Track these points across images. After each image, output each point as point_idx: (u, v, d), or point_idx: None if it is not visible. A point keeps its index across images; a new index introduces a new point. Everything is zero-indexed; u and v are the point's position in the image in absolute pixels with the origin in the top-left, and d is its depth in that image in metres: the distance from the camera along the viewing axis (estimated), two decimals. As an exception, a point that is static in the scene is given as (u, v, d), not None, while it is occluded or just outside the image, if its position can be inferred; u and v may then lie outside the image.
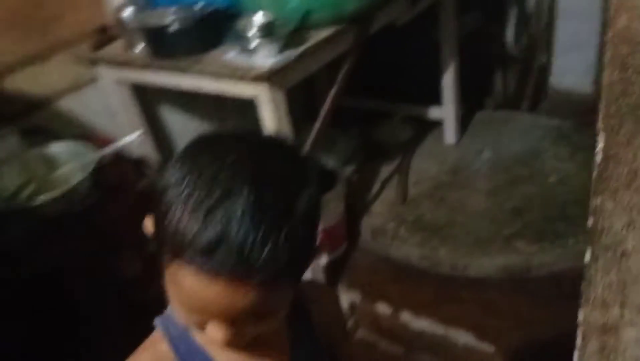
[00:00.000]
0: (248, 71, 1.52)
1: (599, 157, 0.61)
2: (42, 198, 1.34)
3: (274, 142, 0.68)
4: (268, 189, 0.59)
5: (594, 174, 0.62)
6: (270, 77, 1.51)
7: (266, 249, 0.57)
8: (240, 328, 0.64)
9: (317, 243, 0.69)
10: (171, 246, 0.59)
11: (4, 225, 1.36)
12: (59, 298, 1.47)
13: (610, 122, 0.58)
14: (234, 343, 0.65)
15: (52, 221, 1.37)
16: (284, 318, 0.70)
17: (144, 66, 1.77)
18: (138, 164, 2.07)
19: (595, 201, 0.63)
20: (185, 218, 0.58)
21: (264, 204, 0.58)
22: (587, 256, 0.68)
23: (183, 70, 1.66)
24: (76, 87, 1.98)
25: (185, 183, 0.60)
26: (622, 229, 0.63)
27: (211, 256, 0.57)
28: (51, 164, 1.48)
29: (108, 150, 1.45)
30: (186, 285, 0.60)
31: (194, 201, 0.58)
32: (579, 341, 0.77)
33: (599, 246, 0.65)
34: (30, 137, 1.58)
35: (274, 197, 0.59)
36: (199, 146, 0.65)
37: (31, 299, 1.38)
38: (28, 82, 1.83)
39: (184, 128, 2.40)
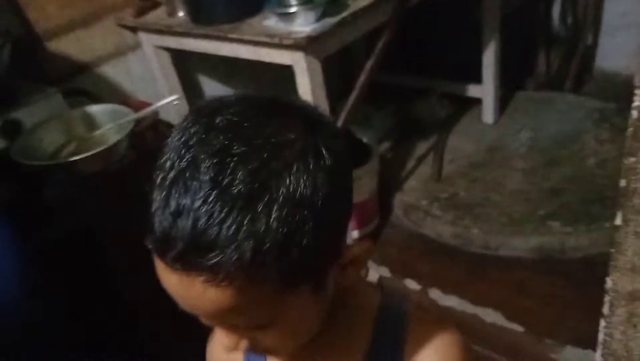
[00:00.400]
0: (285, 37, 1.52)
1: (635, 114, 0.59)
2: (81, 156, 1.38)
3: (288, 110, 0.56)
4: (239, 160, 0.48)
5: (629, 132, 0.60)
6: (308, 44, 1.51)
7: (222, 235, 0.47)
8: (247, 336, 0.57)
9: (345, 235, 0.58)
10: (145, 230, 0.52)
11: (45, 181, 1.40)
12: (94, 255, 1.51)
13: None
14: (255, 351, 0.59)
15: (89, 178, 1.41)
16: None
17: (184, 33, 1.79)
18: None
19: (628, 161, 0.61)
20: (151, 196, 0.52)
21: (227, 179, 0.48)
22: (618, 220, 0.67)
23: (222, 36, 1.67)
24: (119, 53, 2.02)
25: (164, 152, 0.53)
26: (655, 192, 0.62)
27: (165, 243, 0.49)
28: (91, 125, 1.51)
29: (145, 112, 1.48)
30: (164, 281, 0.53)
31: (160, 176, 0.51)
32: (605, 309, 0.76)
33: (631, 208, 0.64)
34: (72, 99, 1.62)
35: (245, 171, 0.48)
36: (197, 110, 0.56)
37: (68, 255, 1.42)
38: (72, 46, 1.87)
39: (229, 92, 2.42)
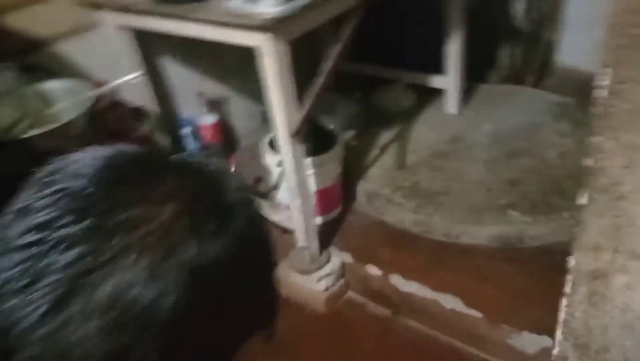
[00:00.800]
0: (251, 19, 1.50)
1: (602, 94, 0.59)
2: (35, 133, 1.33)
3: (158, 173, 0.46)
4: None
5: (596, 110, 0.61)
6: (274, 26, 1.49)
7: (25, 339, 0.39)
8: None
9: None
10: None
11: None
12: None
13: (618, 55, 0.57)
14: None
15: (44, 156, 1.36)
16: None
17: (147, 12, 1.74)
18: (136, 112, 2.06)
19: (595, 140, 0.62)
20: None
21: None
22: (583, 199, 0.67)
23: (185, 16, 1.63)
24: (77, 30, 1.96)
25: None
26: (620, 170, 0.62)
27: None
28: (47, 101, 1.46)
29: (105, 89, 1.44)
30: None
31: None
32: (567, 288, 0.77)
33: (596, 187, 0.64)
34: (28, 75, 1.56)
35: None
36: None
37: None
38: (29, 21, 1.80)
39: (184, 78, 2.38)
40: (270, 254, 0.54)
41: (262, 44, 1.55)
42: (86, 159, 0.47)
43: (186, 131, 2.38)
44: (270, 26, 1.49)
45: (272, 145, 2.06)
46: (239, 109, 2.68)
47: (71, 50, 1.93)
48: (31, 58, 1.74)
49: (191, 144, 2.39)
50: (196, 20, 1.62)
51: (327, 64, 1.82)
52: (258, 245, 0.51)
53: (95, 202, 0.42)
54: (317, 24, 1.66)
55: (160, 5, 1.70)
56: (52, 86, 1.47)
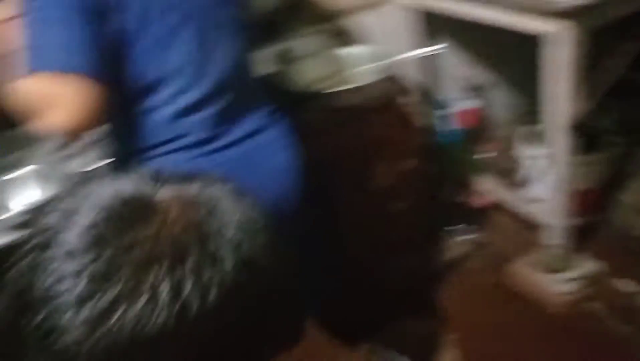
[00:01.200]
0: (552, 4, 1.48)
1: None
2: (338, 89, 1.49)
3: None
4: None
5: None
6: (578, 13, 1.46)
7: None
8: None
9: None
10: None
11: (301, 105, 1.54)
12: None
13: None
14: None
15: (342, 111, 1.52)
16: None
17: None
18: (403, 87, 2.16)
19: None
20: None
21: None
22: None
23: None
24: (372, 4, 2.11)
25: None
26: None
27: None
28: (349, 63, 1.62)
29: (406, 56, 1.54)
30: None
31: None
32: None
33: None
34: (333, 39, 1.75)
35: None
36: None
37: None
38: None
39: (452, 60, 2.41)
40: (279, 285, 0.50)
41: (559, 32, 1.53)
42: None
43: (445, 112, 2.44)
44: (574, 13, 1.46)
45: (532, 137, 2.03)
46: (499, 98, 2.65)
47: (362, 22, 2.10)
48: (336, 25, 1.94)
49: (448, 127, 2.44)
50: (491, 3, 1.65)
51: (619, 62, 1.73)
52: (261, 279, 0.48)
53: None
54: (623, 14, 1.58)
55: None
56: (356, 50, 1.62)
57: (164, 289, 0.41)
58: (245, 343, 0.45)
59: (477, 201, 2.25)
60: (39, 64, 0.92)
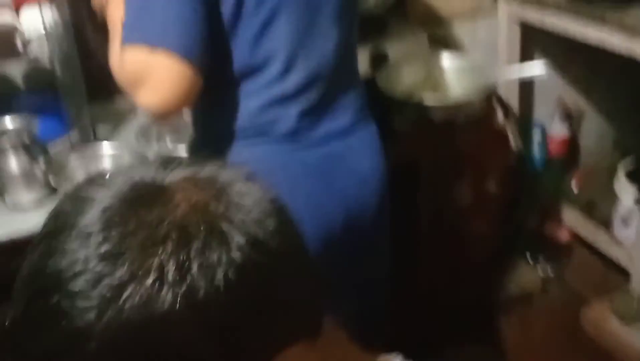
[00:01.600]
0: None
1: None
2: (432, 104, 1.42)
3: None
4: None
5: None
6: None
7: None
8: None
9: None
10: None
11: (391, 111, 1.48)
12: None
13: None
14: None
15: (438, 125, 1.45)
16: None
17: (556, 8, 1.70)
18: (501, 106, 2.07)
19: None
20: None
21: None
22: None
23: (600, 19, 1.55)
24: (472, 13, 2.02)
25: None
26: None
27: None
28: (447, 72, 1.55)
29: (506, 73, 1.46)
30: None
31: None
32: None
33: None
34: (434, 46, 1.67)
35: None
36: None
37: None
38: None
39: (548, 81, 2.28)
40: (291, 270, 0.49)
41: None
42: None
43: (538, 137, 2.31)
44: None
45: (626, 175, 1.90)
46: (595, 127, 2.49)
47: (460, 31, 2.01)
48: (438, 30, 1.86)
49: (539, 152, 2.31)
50: (607, 22, 1.53)
51: None
52: (271, 262, 0.47)
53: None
54: None
55: (573, 3, 1.64)
56: (453, 60, 1.55)
57: (170, 269, 0.42)
58: (256, 327, 0.45)
59: (559, 234, 2.13)
60: (137, 36, 0.90)
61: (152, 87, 0.89)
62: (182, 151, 1.41)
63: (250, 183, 0.50)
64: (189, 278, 0.42)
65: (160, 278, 0.42)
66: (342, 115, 1.10)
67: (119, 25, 0.94)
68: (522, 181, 2.08)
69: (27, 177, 1.28)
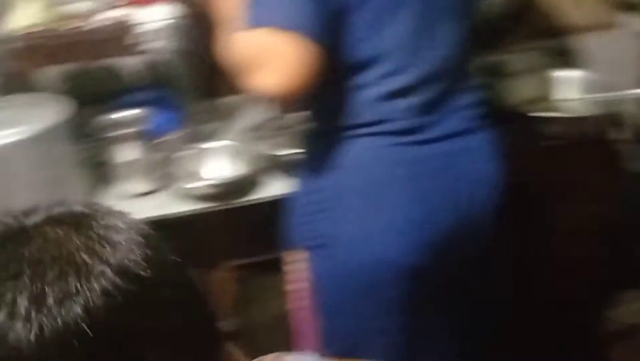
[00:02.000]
0: None
1: None
2: (545, 114, 1.36)
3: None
4: None
5: None
6: None
7: None
8: None
9: None
10: None
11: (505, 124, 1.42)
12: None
13: None
14: None
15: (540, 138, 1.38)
16: None
17: None
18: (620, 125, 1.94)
19: None
20: None
21: None
22: None
23: None
24: (593, 27, 1.91)
25: None
26: None
27: None
28: (565, 88, 1.48)
29: (629, 93, 1.36)
30: None
31: None
32: None
33: None
34: (554, 59, 1.60)
35: None
36: None
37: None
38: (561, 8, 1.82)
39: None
40: (165, 297, 0.49)
41: None
42: None
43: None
44: None
45: None
46: None
47: (587, 44, 1.90)
48: (559, 44, 1.77)
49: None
50: None
51: None
52: (140, 290, 0.47)
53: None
54: None
55: None
56: (566, 74, 1.47)
57: (21, 303, 0.42)
58: (125, 356, 0.46)
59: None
60: (262, 18, 0.91)
61: (276, 66, 0.90)
62: (280, 150, 1.42)
63: (118, 215, 0.51)
64: (44, 310, 0.43)
65: (13, 311, 0.42)
66: (460, 115, 1.08)
67: (230, 14, 0.96)
68: (635, 205, 1.94)
69: (139, 168, 1.33)
